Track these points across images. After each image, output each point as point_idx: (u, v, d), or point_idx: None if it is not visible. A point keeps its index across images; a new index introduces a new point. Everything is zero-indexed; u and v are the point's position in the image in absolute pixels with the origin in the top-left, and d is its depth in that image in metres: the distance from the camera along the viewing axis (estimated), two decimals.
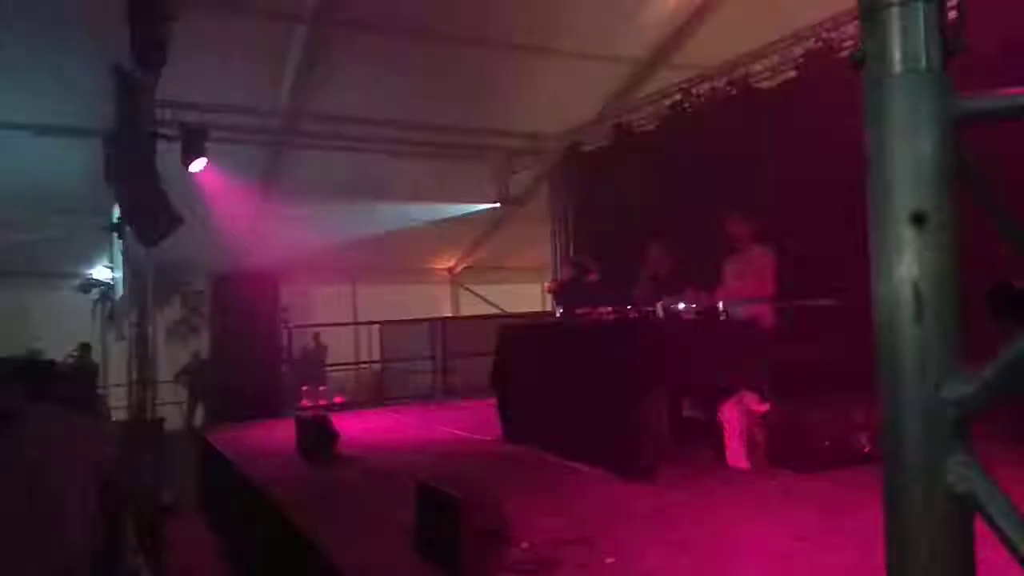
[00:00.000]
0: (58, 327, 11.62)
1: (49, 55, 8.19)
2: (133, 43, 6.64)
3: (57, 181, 10.15)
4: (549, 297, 12.88)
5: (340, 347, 13.30)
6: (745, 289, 6.13)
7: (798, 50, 7.50)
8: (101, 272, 13.02)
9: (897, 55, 0.94)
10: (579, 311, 6.61)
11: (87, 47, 8.02)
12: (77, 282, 13.26)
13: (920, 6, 0.93)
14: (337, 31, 8.86)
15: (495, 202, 12.40)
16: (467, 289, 17.45)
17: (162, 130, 8.35)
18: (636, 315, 5.98)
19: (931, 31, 0.93)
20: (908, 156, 0.93)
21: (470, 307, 16.77)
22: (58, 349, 8.05)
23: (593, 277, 7.48)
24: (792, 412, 5.15)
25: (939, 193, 0.93)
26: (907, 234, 0.92)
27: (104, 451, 2.95)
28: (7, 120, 9.14)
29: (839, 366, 6.32)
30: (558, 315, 8.77)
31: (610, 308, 6.26)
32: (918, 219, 0.92)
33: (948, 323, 0.92)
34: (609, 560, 3.47)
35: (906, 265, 0.93)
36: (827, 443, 4.93)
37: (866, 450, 4.87)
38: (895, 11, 0.94)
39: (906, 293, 0.93)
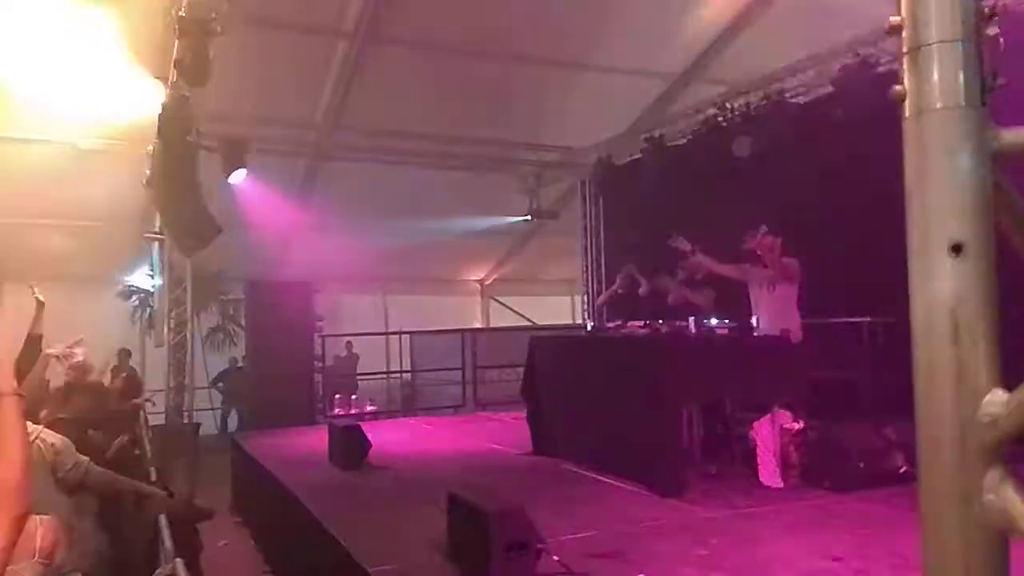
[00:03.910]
0: (98, 333, 11.88)
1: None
2: (179, 58, 6.82)
3: (99, 190, 10.41)
4: (580, 309, 12.91)
5: (371, 356, 13.41)
6: (776, 303, 6.10)
7: (834, 65, 7.46)
8: (141, 279, 13.31)
9: (937, 92, 0.98)
10: (611, 324, 6.63)
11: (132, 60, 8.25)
12: (118, 289, 13.57)
13: (959, 44, 0.97)
14: (375, 47, 9.02)
15: (527, 215, 12.45)
16: (497, 301, 17.50)
17: (204, 142, 8.57)
18: (668, 329, 5.98)
19: (970, 68, 0.97)
20: (947, 188, 0.97)
21: (500, 319, 16.81)
22: (97, 354, 8.23)
23: (644, 290, 7.48)
24: (827, 430, 5.12)
25: (977, 224, 0.96)
26: (945, 262, 0.96)
27: None
28: (52, 131, 9.41)
29: (874, 384, 6.28)
30: (588, 328, 8.79)
31: (642, 322, 6.27)
32: (956, 249, 0.95)
33: (985, 345, 0.96)
34: None
35: (944, 292, 0.96)
36: (862, 463, 4.89)
37: (902, 470, 4.82)
38: (935, 50, 0.98)
39: (943, 317, 0.96)
